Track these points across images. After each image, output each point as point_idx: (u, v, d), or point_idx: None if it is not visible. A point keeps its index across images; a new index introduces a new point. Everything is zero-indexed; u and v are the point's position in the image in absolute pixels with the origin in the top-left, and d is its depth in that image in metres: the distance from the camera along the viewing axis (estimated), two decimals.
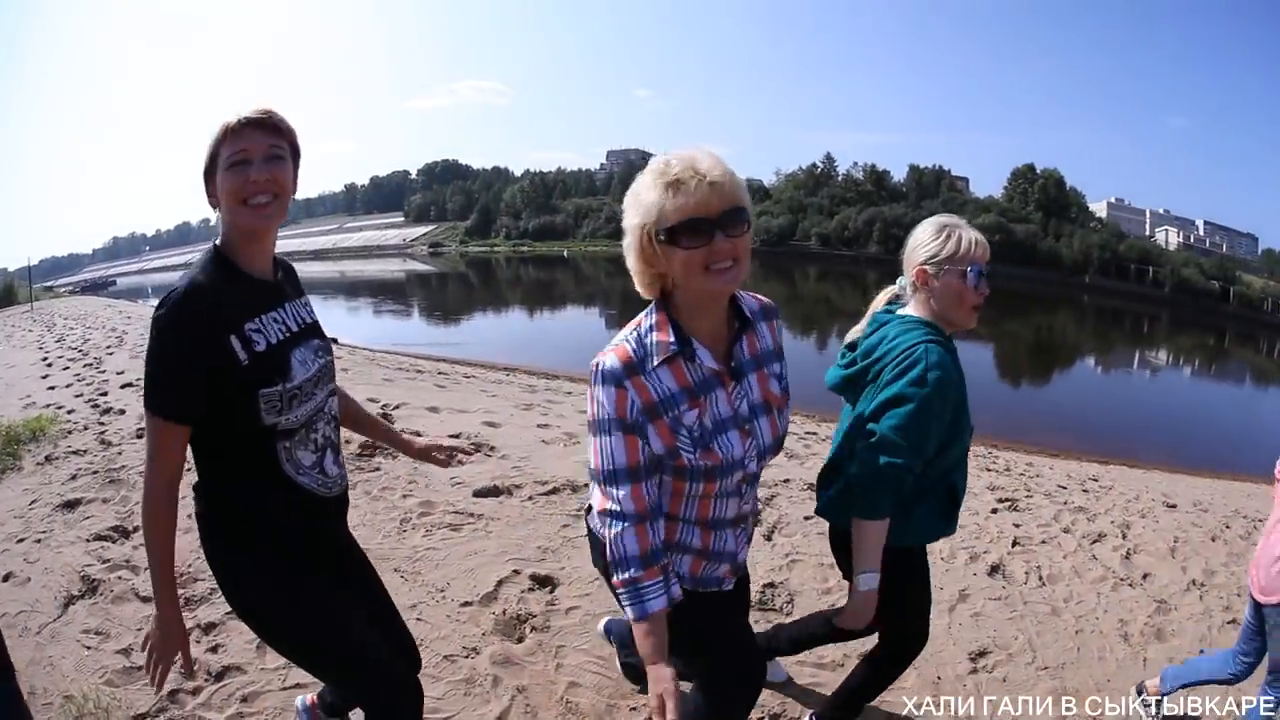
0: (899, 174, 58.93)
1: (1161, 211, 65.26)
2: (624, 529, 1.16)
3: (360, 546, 1.53)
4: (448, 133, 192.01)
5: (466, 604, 2.42)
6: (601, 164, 72.48)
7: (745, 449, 1.23)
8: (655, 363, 1.16)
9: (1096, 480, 5.89)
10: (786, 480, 3.83)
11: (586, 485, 1.82)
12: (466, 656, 2.14)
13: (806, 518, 3.26)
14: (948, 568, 3.00)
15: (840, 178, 58.61)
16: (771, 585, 2.68)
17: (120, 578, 2.51)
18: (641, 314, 1.21)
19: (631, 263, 1.17)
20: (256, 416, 1.20)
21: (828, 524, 1.67)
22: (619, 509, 1.17)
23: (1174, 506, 4.98)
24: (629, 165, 64.53)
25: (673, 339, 1.16)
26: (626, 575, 1.16)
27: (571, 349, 13.60)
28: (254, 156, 1.18)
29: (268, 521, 1.28)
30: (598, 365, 1.18)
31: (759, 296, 1.33)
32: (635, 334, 1.19)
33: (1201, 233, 64.34)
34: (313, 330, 1.35)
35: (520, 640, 2.26)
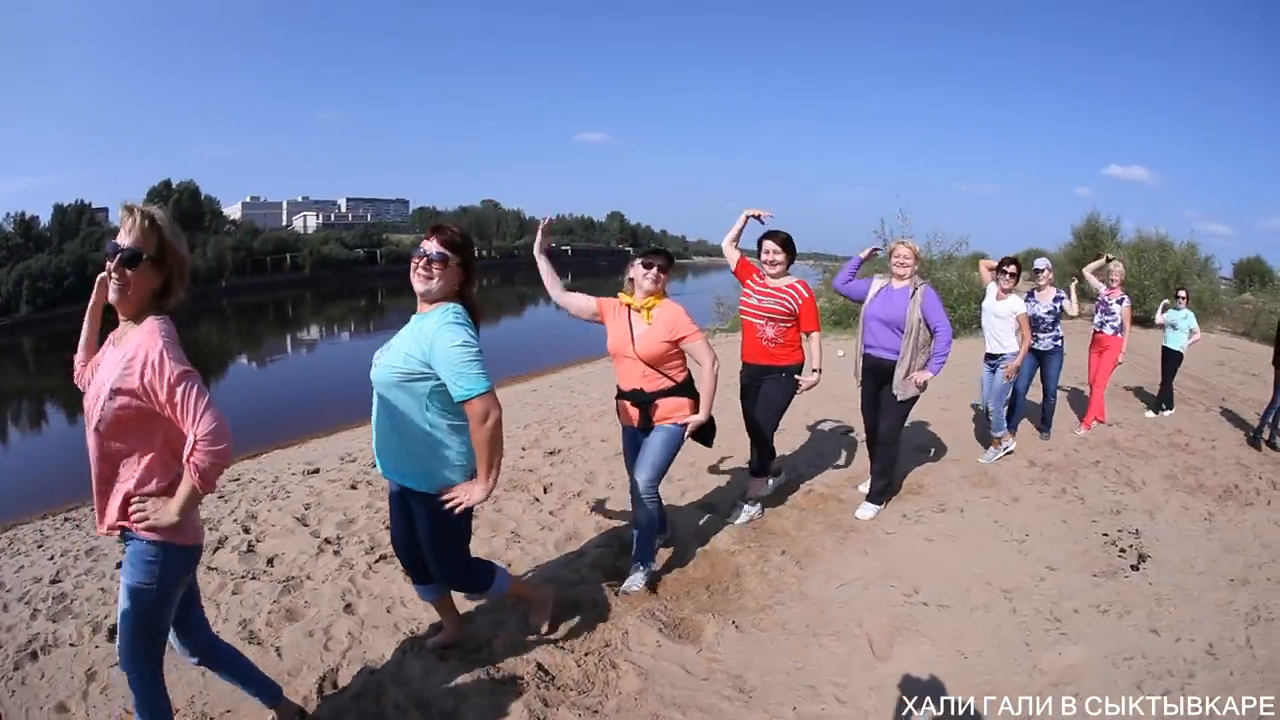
0: (48, 217, 42.80)
1: (300, 199, 64.03)
2: None
3: None
4: None
5: None
6: None
7: None
8: None
9: (237, 479, 5.18)
10: None
11: None
12: None
13: None
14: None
15: None
16: None
17: None
18: None
19: None
20: None
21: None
22: None
23: (316, 471, 4.83)
24: None
25: None
26: None
27: None
28: None
29: None
30: None
31: None
32: None
33: (344, 209, 66.74)
34: None
35: None
